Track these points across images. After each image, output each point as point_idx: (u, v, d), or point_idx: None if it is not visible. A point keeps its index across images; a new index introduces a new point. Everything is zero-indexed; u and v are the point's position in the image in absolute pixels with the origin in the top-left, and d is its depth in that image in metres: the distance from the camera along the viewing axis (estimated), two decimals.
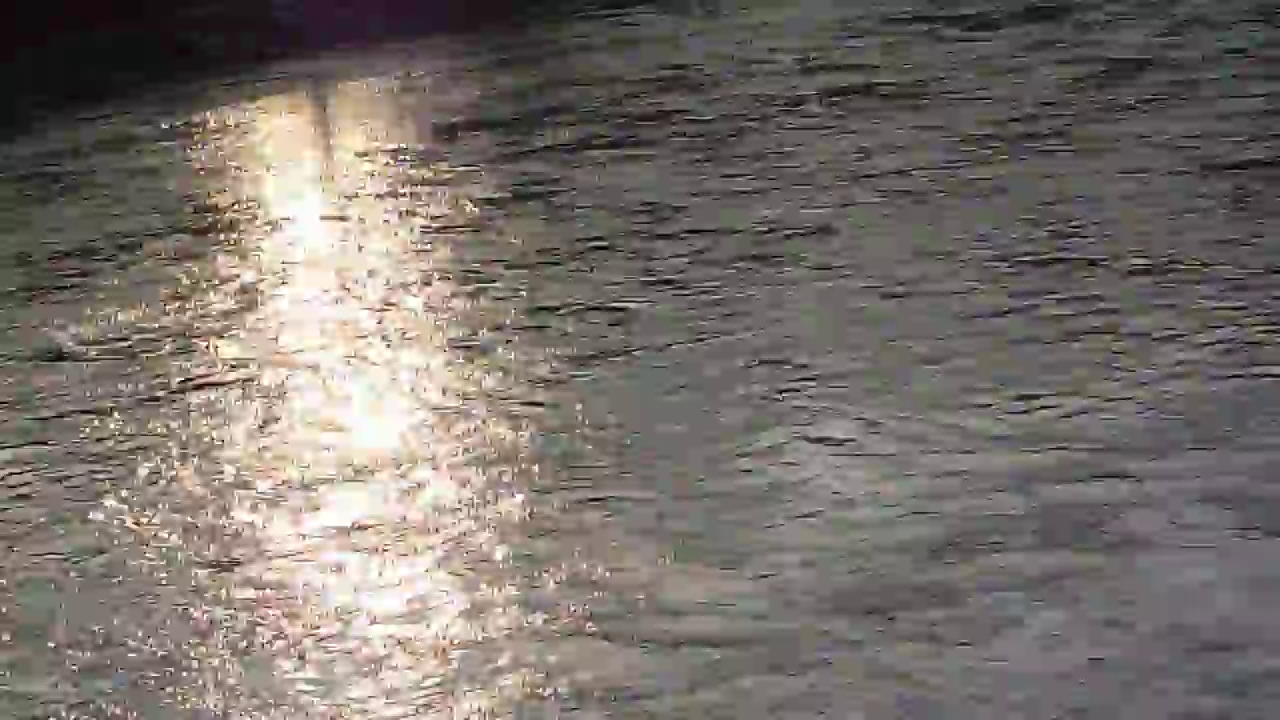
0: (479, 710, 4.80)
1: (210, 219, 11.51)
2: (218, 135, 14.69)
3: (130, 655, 5.43)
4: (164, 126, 15.16)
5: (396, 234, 10.45)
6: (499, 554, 5.79)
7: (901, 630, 4.88)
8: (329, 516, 6.30)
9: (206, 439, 7.30)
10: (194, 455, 7.13)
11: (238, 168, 13.30)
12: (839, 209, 9.51)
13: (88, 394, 8.10)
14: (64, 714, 5.13)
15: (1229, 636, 4.63)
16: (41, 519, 6.70)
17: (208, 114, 15.61)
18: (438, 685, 4.98)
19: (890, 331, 7.39)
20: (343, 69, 17.08)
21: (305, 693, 5.05)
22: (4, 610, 5.89)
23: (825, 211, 9.49)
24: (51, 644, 5.58)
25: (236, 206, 11.85)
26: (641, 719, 4.63)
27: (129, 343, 8.88)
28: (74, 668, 5.40)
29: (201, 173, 13.16)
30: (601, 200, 10.50)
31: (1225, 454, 5.76)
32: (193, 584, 5.88)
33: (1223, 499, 5.43)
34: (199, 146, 14.23)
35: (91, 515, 6.64)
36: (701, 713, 4.60)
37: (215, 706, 5.03)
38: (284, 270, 9.98)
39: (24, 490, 7.05)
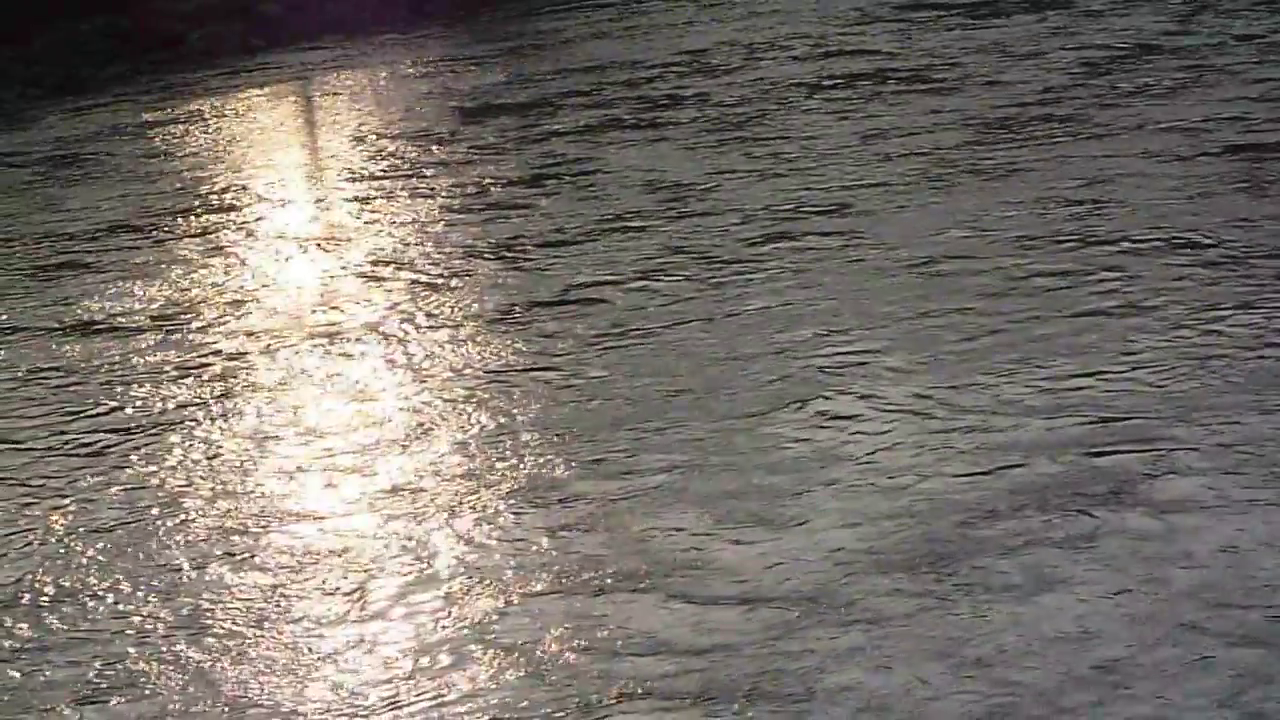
0: (525, 663, 4.86)
1: (230, 199, 11.55)
2: (222, 121, 14.71)
3: (152, 615, 5.50)
4: (165, 114, 15.14)
5: (421, 212, 10.49)
6: (539, 518, 5.84)
7: (949, 588, 4.94)
8: (362, 483, 6.34)
9: (235, 407, 7.35)
10: (222, 423, 7.19)
11: (252, 151, 13.34)
12: (859, 188, 9.57)
13: (122, 363, 8.15)
14: (94, 664, 5.18)
15: (1259, 593, 4.71)
16: (74, 481, 6.74)
17: (207, 102, 15.55)
18: (482, 640, 5.03)
19: (918, 305, 7.45)
20: (344, 59, 17.04)
21: (348, 655, 5.11)
22: (39, 569, 5.94)
23: (846, 191, 9.55)
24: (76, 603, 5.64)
25: (257, 187, 11.89)
26: (692, 673, 4.68)
27: (162, 314, 8.93)
28: (103, 627, 5.47)
29: (214, 156, 13.19)
30: (625, 179, 10.55)
31: (1254, 421, 5.83)
32: (221, 547, 5.93)
33: (1252, 462, 5.51)
34: (205, 132, 14.24)
35: (119, 478, 6.70)
36: (757, 665, 4.66)
37: (238, 667, 5.09)
38: (312, 247, 10.02)
39: (56, 453, 7.09)
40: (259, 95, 15.87)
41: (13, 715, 4.94)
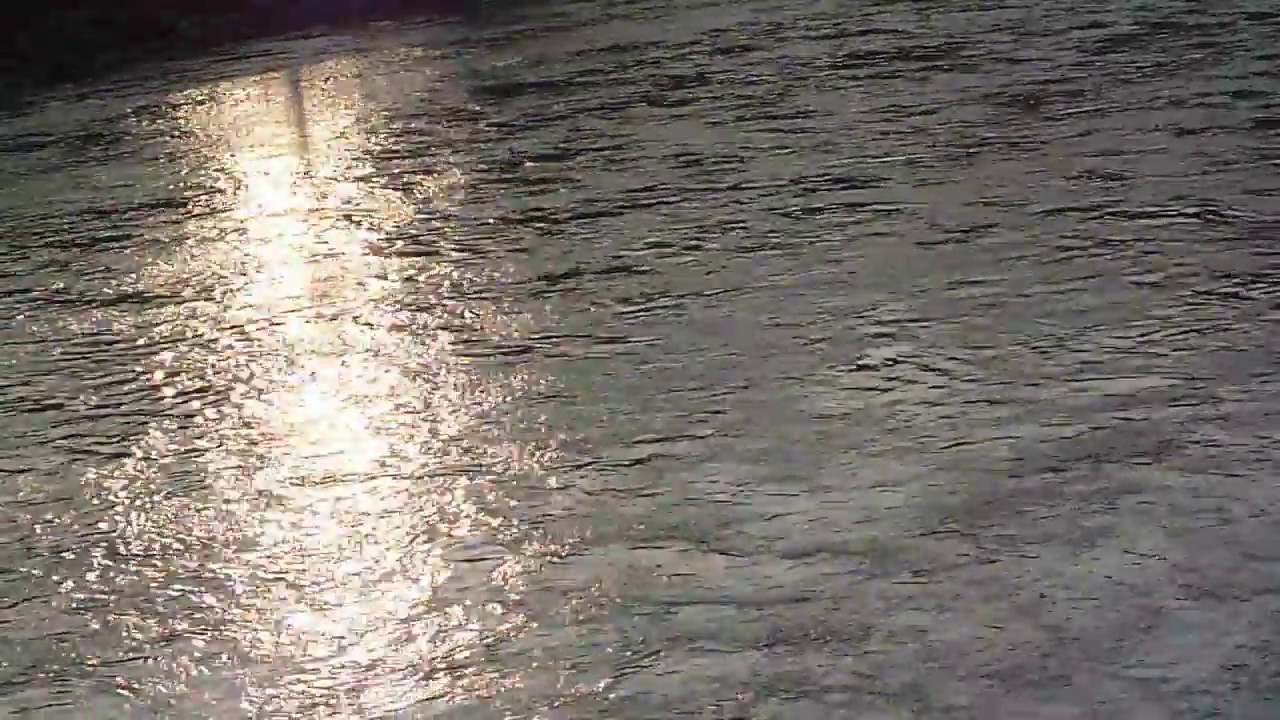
0: (583, 611, 4.96)
1: (259, 178, 11.64)
2: (234, 104, 14.77)
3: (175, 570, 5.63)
4: (170, 99, 15.17)
5: (452, 186, 10.58)
6: (587, 476, 5.92)
7: (994, 540, 5.04)
8: (408, 445, 6.44)
9: (278, 375, 7.45)
10: (269, 389, 7.29)
11: (273, 132, 13.41)
12: (884, 162, 9.67)
13: (170, 331, 8.24)
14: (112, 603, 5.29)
15: None
16: (121, 443, 6.84)
17: (212, 87, 15.59)
18: (538, 590, 5.13)
19: (949, 273, 7.54)
20: (346, 46, 17.01)
21: (412, 604, 5.21)
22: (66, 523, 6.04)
23: (871, 165, 9.65)
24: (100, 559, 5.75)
25: (285, 166, 11.99)
26: (749, 621, 4.78)
27: (203, 286, 9.03)
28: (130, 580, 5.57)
29: (232, 138, 13.25)
30: (654, 154, 10.64)
31: None
32: (278, 504, 6.04)
33: None
34: (219, 115, 14.32)
35: (143, 444, 6.80)
36: (811, 613, 4.76)
37: (316, 615, 5.19)
38: (346, 222, 10.10)
39: (103, 416, 7.18)
40: (265, 80, 15.88)
41: (94, 658, 5.05)
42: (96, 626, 5.23)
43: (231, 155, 12.58)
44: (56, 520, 6.09)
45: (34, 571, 5.68)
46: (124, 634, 5.16)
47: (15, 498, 6.37)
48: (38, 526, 6.06)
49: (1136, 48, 11.71)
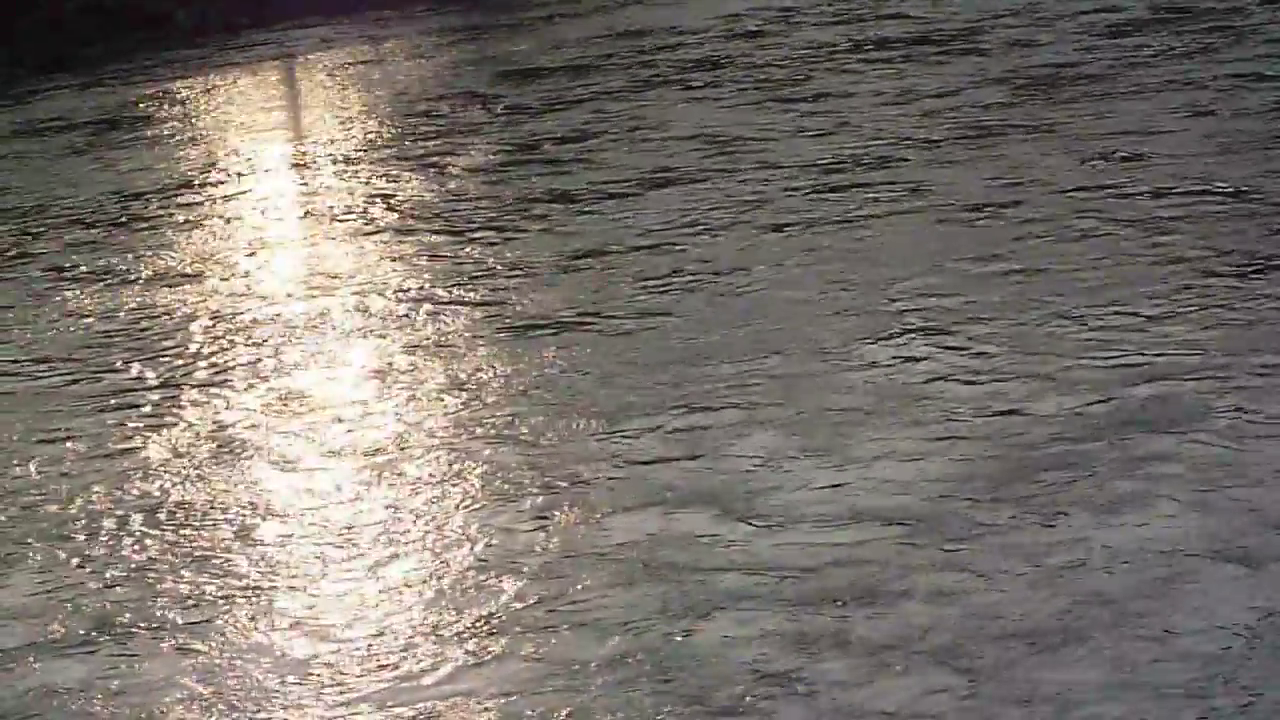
0: (625, 573, 5.04)
1: (279, 161, 11.72)
2: (246, 92, 14.82)
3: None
4: (184, 87, 15.18)
5: (474, 167, 10.67)
6: (624, 445, 5.99)
7: (1028, 507, 5.13)
8: (446, 414, 6.53)
9: (310, 348, 7.54)
10: (301, 361, 7.38)
11: (288, 118, 13.46)
12: (904, 144, 9.75)
13: (194, 308, 8.34)
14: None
15: None
16: (154, 412, 6.94)
17: (218, 76, 15.56)
18: (580, 554, 5.21)
19: (975, 250, 7.61)
20: (347, 35, 16.89)
21: (461, 566, 5.30)
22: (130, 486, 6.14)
23: (891, 146, 9.73)
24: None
25: (304, 150, 12.05)
26: (791, 582, 4.87)
27: (229, 264, 9.13)
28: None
29: (248, 124, 13.29)
30: (675, 135, 10.71)
31: None
32: (315, 471, 6.14)
33: None
34: (230, 102, 14.36)
35: (182, 416, 6.91)
36: (851, 576, 4.84)
37: (365, 583, 5.29)
38: (370, 204, 10.17)
39: (130, 394, 7.27)
40: (277, 66, 15.87)
41: (155, 619, 5.15)
42: (154, 589, 5.33)
43: (251, 139, 12.65)
44: (106, 488, 6.18)
45: (91, 537, 5.78)
46: (180, 595, 5.26)
47: (63, 468, 6.45)
48: (90, 494, 6.15)
49: (1150, 32, 11.78)
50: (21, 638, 5.08)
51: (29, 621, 5.18)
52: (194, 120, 13.65)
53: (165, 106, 14.28)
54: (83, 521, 5.91)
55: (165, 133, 13.20)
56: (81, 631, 5.09)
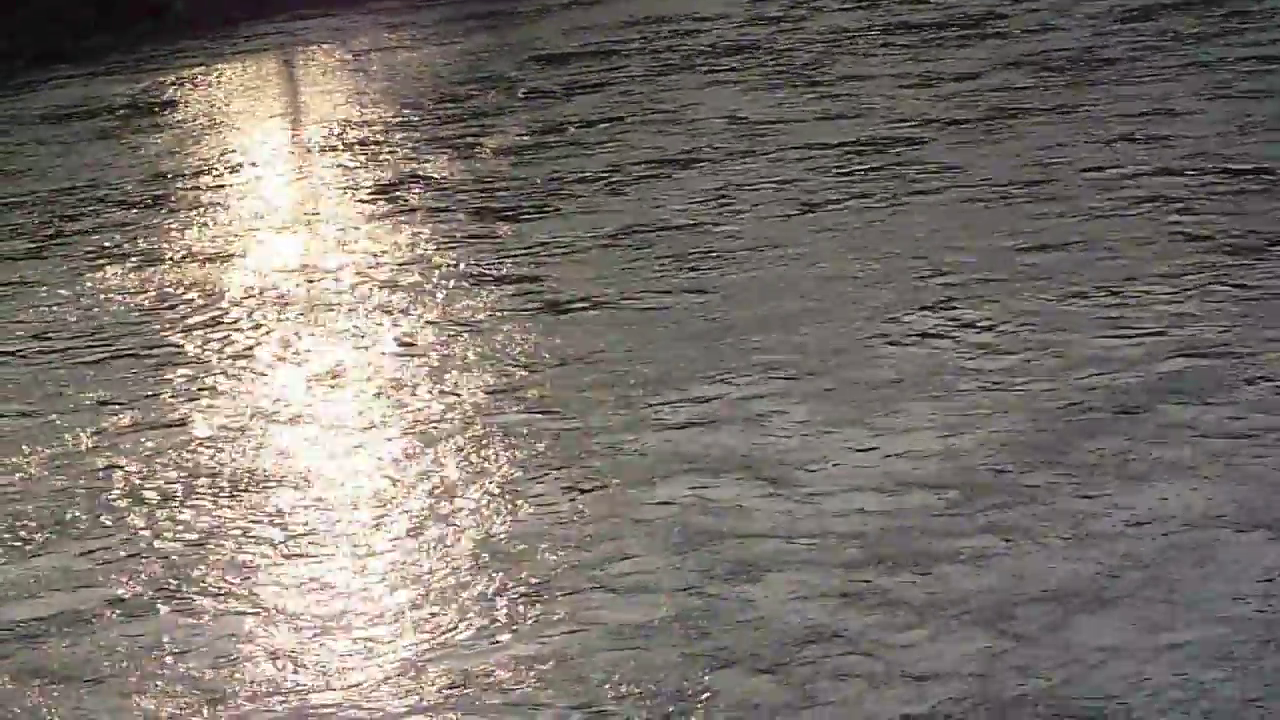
0: (669, 539, 5.11)
1: (307, 144, 11.81)
2: (264, 80, 14.86)
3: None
4: (199, 75, 15.22)
5: (506, 149, 10.75)
6: (663, 414, 6.07)
7: (1062, 475, 5.20)
8: (489, 384, 6.61)
9: (342, 323, 7.64)
10: (325, 336, 7.48)
11: (309, 104, 13.52)
12: (927, 126, 9.82)
13: (231, 285, 8.43)
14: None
15: None
16: (192, 387, 7.04)
17: (235, 63, 15.62)
18: (622, 520, 5.28)
19: (1001, 229, 7.70)
20: (351, 26, 16.87)
21: (510, 530, 5.39)
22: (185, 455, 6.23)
23: (915, 128, 9.80)
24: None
25: (331, 133, 12.14)
26: (833, 546, 4.95)
27: (264, 242, 9.22)
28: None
29: (272, 110, 13.35)
30: (698, 118, 10.81)
31: None
32: (332, 440, 6.23)
33: None
34: (250, 90, 14.41)
35: (225, 388, 7.01)
36: (894, 542, 4.91)
37: (406, 542, 5.37)
38: (399, 185, 10.26)
39: (176, 367, 7.36)
40: (291, 55, 15.90)
41: (209, 581, 5.25)
42: (208, 556, 5.42)
43: (274, 123, 12.73)
44: (155, 458, 6.27)
45: (142, 505, 5.87)
46: (232, 562, 5.34)
47: (113, 439, 6.55)
48: (139, 464, 6.24)
49: (1167, 16, 11.85)
50: (85, 600, 5.18)
51: (90, 586, 5.27)
52: (215, 106, 13.74)
53: (184, 93, 14.36)
54: (133, 491, 6.00)
55: (187, 118, 13.30)
56: (143, 595, 5.19)
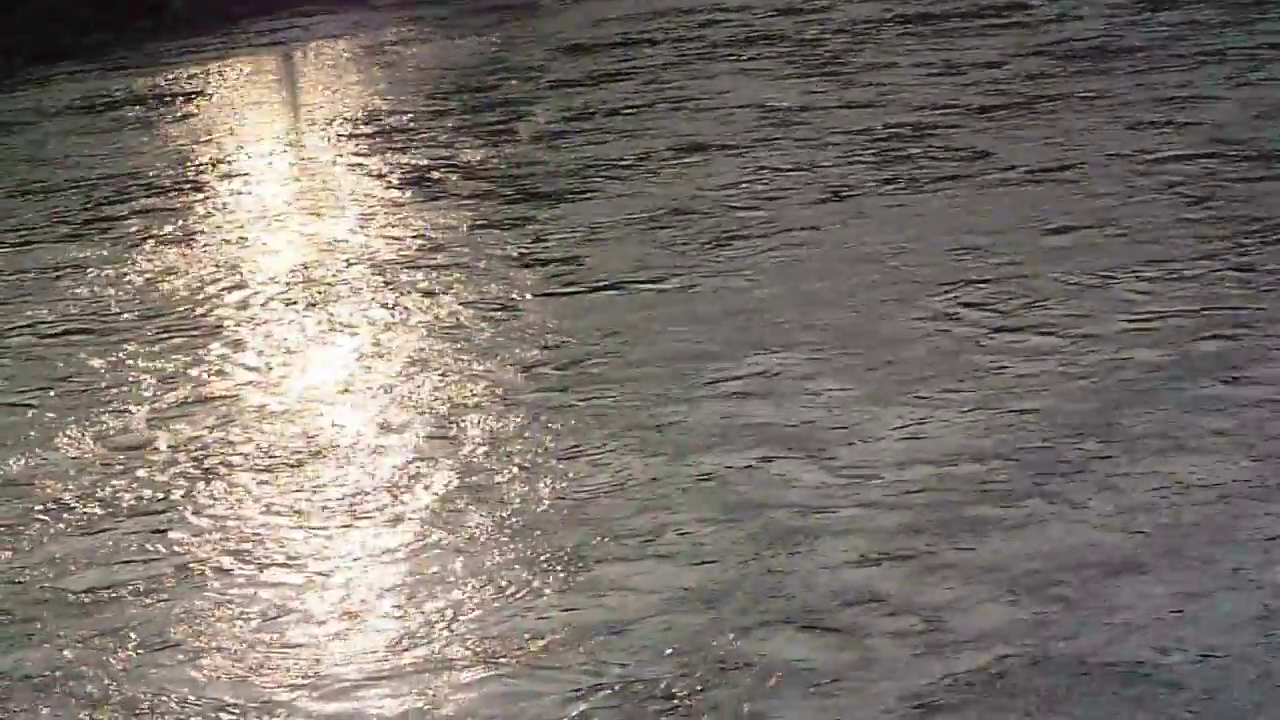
0: (718, 506, 5.20)
1: (338, 131, 11.90)
2: (282, 73, 14.88)
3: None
4: (217, 69, 15.25)
5: (538, 135, 10.85)
6: (700, 387, 6.17)
7: (1100, 446, 5.29)
8: (538, 358, 6.71)
9: (372, 303, 7.73)
10: (358, 313, 7.57)
11: (336, 95, 13.60)
12: (952, 113, 9.90)
13: (269, 264, 8.54)
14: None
15: None
16: (246, 360, 7.16)
17: (249, 57, 15.64)
18: (658, 493, 5.36)
19: (1030, 211, 7.78)
20: (357, 23, 16.94)
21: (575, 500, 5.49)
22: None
23: (939, 115, 9.88)
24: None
25: (360, 122, 12.24)
26: (880, 515, 5.05)
27: (299, 224, 9.33)
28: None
29: (298, 101, 13.37)
30: (724, 105, 10.90)
31: None
32: (369, 414, 6.34)
33: None
34: (272, 82, 14.48)
35: (275, 363, 7.12)
36: (941, 512, 4.99)
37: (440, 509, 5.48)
38: (442, 165, 10.36)
39: (219, 339, 7.48)
40: (307, 49, 15.95)
41: (266, 547, 5.37)
42: (252, 523, 5.54)
43: (304, 114, 12.81)
44: (208, 433, 6.39)
45: (198, 481, 5.98)
46: (292, 530, 5.45)
47: (169, 414, 6.67)
48: (192, 440, 6.36)
49: (1190, 6, 11.94)
50: (151, 569, 5.29)
51: (153, 558, 5.39)
52: (238, 96, 13.83)
53: (206, 85, 14.42)
54: (186, 465, 6.10)
55: (212, 108, 13.39)
56: (203, 564, 5.30)
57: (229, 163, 11.25)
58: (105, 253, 9.24)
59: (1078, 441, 5.37)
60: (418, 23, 16.44)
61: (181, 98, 13.92)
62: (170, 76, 15.01)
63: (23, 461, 6.30)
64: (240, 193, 10.36)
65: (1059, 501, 4.99)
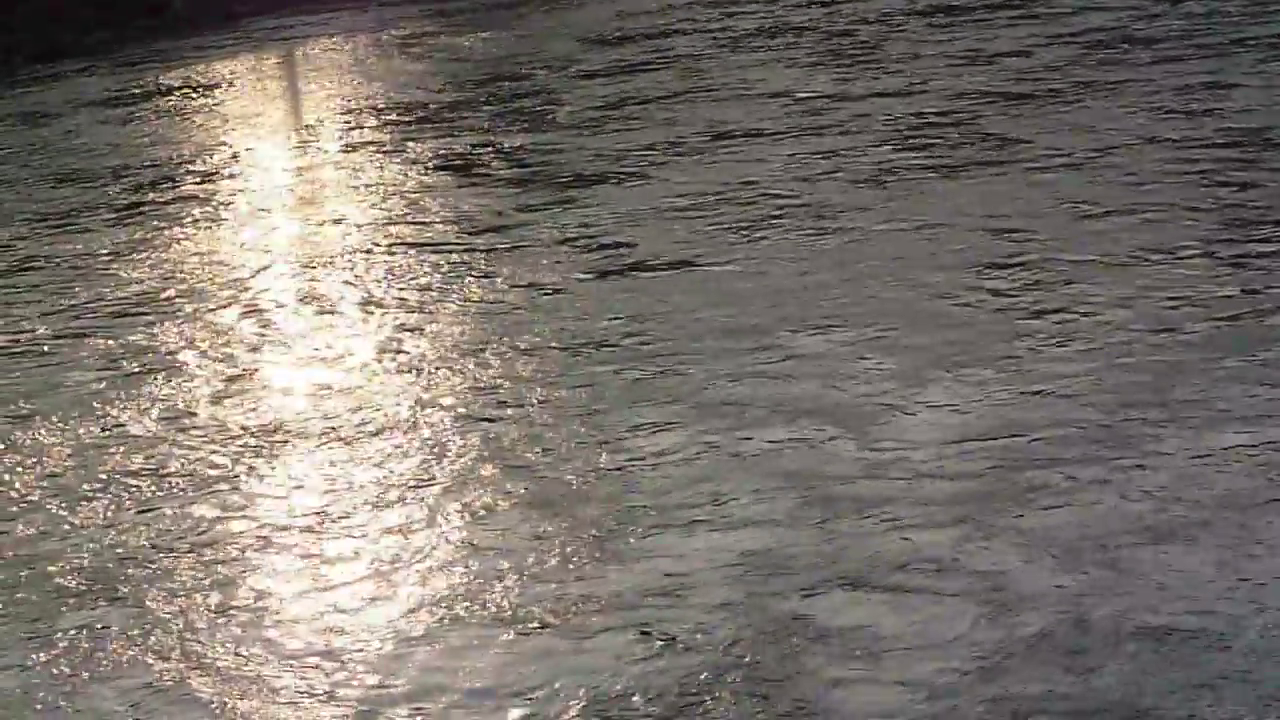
0: (745, 479, 5.28)
1: (371, 119, 12.00)
2: (297, 67, 14.98)
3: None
4: (233, 65, 15.39)
5: (572, 122, 10.95)
6: (750, 362, 6.26)
7: (1151, 422, 5.37)
8: (601, 331, 6.80)
9: (407, 284, 7.82)
10: (390, 292, 7.66)
11: (368, 85, 13.74)
12: (983, 101, 9.98)
13: (297, 242, 8.65)
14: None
15: None
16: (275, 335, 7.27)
17: (232, 62, 15.63)
18: (703, 464, 5.44)
19: (1069, 197, 7.86)
20: (364, 20, 17.09)
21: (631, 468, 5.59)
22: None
23: (971, 103, 9.95)
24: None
25: (399, 109, 12.34)
26: (927, 486, 5.14)
27: (341, 211, 9.43)
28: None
29: (320, 92, 13.47)
30: (759, 93, 11.00)
31: None
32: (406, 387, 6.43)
33: None
34: (289, 76, 14.56)
35: (301, 339, 7.23)
36: (988, 484, 5.09)
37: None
38: (487, 148, 10.47)
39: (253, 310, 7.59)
40: (313, 46, 16.03)
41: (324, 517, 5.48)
42: (291, 495, 5.67)
43: (337, 103, 12.89)
44: (241, 408, 6.51)
45: (242, 455, 6.09)
46: (314, 500, 5.58)
47: (208, 386, 6.78)
48: (225, 412, 6.48)
49: None
50: (209, 539, 5.44)
51: (208, 529, 5.51)
52: (269, 87, 13.95)
53: (231, 77, 14.56)
54: (249, 439, 6.21)
55: (242, 98, 13.53)
56: (242, 536, 5.42)
57: (266, 150, 11.37)
58: (148, 237, 9.34)
59: (1121, 414, 5.45)
60: (438, 17, 16.50)
61: (207, 89, 14.05)
62: (190, 71, 15.14)
63: (93, 432, 6.42)
64: (281, 178, 10.47)
65: (1104, 471, 5.07)
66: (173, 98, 13.85)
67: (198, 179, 10.69)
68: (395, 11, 17.27)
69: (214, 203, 9.98)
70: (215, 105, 13.31)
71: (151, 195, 10.40)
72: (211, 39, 16.93)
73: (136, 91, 14.37)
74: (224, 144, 11.67)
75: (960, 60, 11.17)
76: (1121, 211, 7.53)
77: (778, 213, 8.23)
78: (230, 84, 14.17)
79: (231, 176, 10.66)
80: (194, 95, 13.85)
